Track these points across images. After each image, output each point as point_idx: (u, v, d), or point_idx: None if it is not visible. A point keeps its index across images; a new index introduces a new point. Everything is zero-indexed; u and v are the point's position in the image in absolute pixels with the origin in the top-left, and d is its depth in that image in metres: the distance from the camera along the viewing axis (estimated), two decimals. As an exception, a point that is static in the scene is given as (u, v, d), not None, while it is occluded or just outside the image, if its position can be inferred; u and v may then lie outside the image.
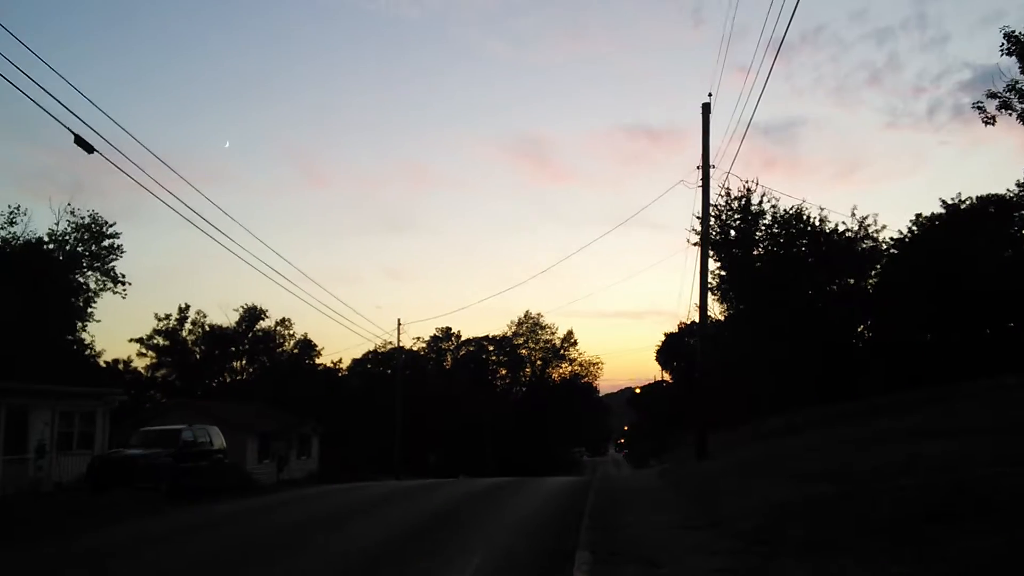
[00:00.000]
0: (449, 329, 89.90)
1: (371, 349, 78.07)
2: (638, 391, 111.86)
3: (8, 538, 13.94)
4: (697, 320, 29.57)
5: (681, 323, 73.59)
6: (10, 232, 44.42)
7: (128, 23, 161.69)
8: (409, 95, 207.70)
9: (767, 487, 12.45)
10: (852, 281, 42.28)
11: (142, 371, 66.24)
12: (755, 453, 22.60)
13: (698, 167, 25.66)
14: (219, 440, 26.46)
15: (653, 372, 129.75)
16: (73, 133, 14.15)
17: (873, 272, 41.93)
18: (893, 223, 43.41)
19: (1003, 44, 21.80)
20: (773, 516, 9.61)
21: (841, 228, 41.69)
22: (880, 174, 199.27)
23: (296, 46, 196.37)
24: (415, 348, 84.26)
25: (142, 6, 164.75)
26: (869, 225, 41.66)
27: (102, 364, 52.72)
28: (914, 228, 39.62)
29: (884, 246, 41.30)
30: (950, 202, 38.44)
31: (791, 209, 41.65)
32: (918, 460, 11.85)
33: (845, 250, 41.16)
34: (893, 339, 39.02)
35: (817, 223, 41.71)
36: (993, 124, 15.06)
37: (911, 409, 22.91)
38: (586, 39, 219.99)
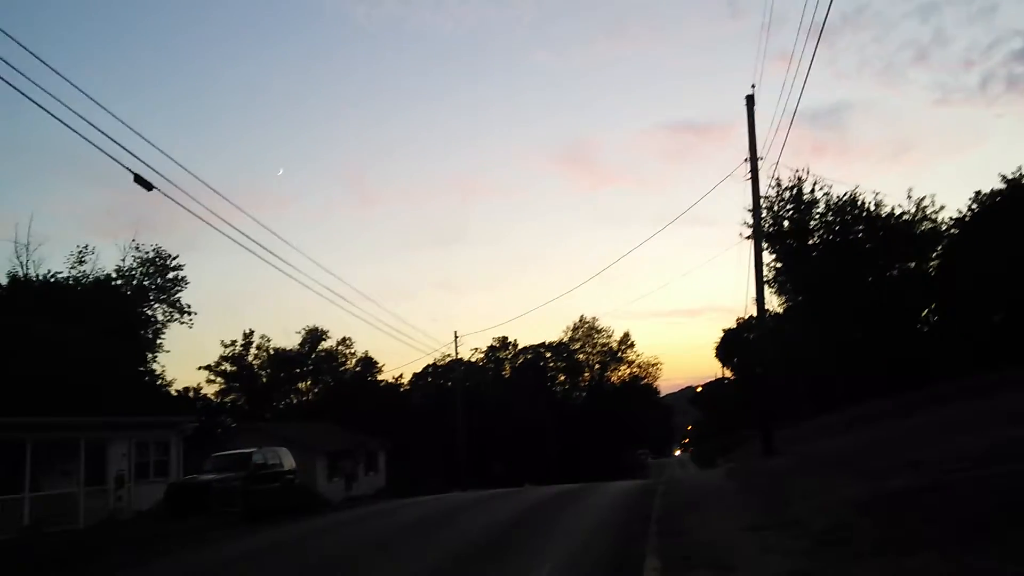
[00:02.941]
0: (506, 338, 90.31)
1: (430, 363, 78.96)
2: (699, 389, 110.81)
3: (106, 565, 14.52)
4: (755, 315, 29.25)
5: (739, 318, 72.70)
6: (79, 271, 46.34)
7: (174, 57, 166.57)
8: (453, 108, 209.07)
9: (838, 483, 12.23)
10: (913, 264, 41.34)
11: (212, 397, 68.07)
12: (822, 448, 22.24)
13: (746, 160, 25.34)
14: (289, 461, 27.07)
15: (713, 369, 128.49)
16: (132, 172, 14.28)
17: (934, 254, 40.91)
18: (951, 203, 42.40)
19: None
20: (846, 513, 9.42)
21: (898, 211, 40.89)
22: (934, 153, 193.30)
23: (339, 68, 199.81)
24: (473, 359, 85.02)
25: (186, 40, 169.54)
26: (927, 206, 40.77)
27: (173, 393, 54.20)
28: (974, 206, 38.49)
29: (944, 226, 40.30)
30: (1011, 177, 37.25)
31: (845, 196, 41.01)
32: (994, 449, 11.54)
33: (904, 233, 40.31)
34: (961, 321, 37.90)
35: (872, 208, 40.96)
36: (1052, 94, 14.38)
37: (983, 394, 22.28)
38: (625, 39, 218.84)
